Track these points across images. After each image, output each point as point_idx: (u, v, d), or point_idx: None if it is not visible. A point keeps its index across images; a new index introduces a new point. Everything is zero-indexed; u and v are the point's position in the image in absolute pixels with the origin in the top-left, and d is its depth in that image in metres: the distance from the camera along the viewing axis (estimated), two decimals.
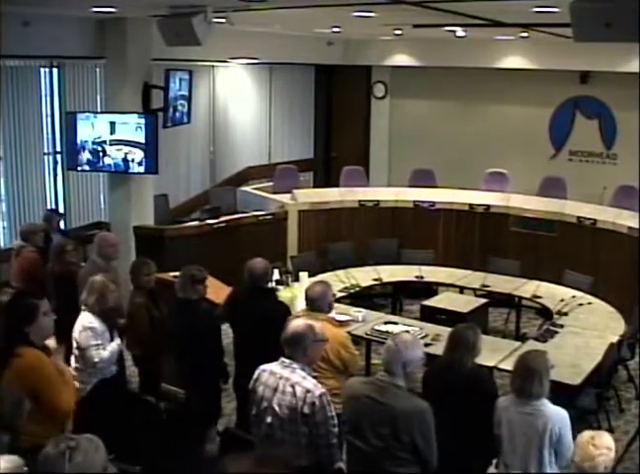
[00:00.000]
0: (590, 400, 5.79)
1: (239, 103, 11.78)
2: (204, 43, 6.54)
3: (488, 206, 9.59)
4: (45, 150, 9.15)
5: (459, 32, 8.99)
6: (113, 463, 2.67)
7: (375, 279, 8.05)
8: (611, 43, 6.17)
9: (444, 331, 5.66)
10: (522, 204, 9.46)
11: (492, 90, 11.84)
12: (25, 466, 2.83)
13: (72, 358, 4.98)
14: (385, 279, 8.14)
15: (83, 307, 5.05)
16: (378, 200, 9.86)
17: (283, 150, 12.77)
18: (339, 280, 7.61)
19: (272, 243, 8.78)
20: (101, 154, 8.10)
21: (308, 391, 3.64)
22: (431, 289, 8.35)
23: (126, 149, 8.04)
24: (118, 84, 8.23)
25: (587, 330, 6.54)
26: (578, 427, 4.01)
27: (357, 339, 6.19)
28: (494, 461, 4.30)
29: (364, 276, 8.00)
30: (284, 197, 9.87)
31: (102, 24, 8.13)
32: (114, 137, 8.05)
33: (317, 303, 4.77)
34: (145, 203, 8.57)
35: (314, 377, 3.84)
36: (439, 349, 5.31)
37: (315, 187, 12.47)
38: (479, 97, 11.96)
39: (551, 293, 7.57)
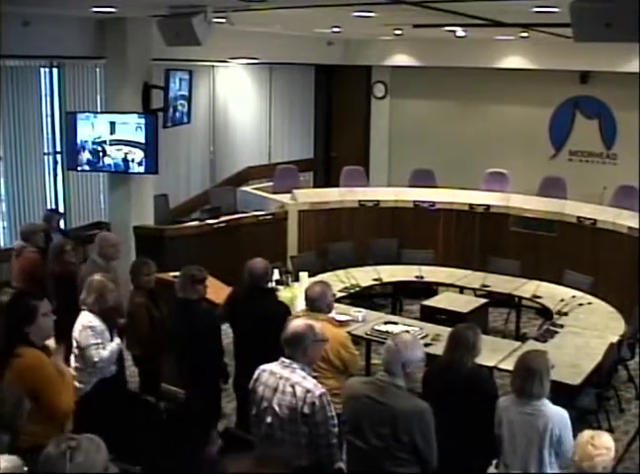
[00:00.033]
0: (590, 400, 5.79)
1: (239, 103, 11.78)
2: (204, 43, 6.54)
3: (488, 206, 9.59)
4: (45, 150, 9.14)
5: (459, 32, 8.99)
6: (113, 463, 2.67)
7: (375, 279, 8.05)
8: (611, 43, 6.17)
9: (444, 331, 5.66)
10: (522, 204, 9.46)
11: (492, 90, 11.84)
12: (24, 466, 2.83)
13: (72, 358, 4.98)
14: (385, 279, 8.14)
15: (83, 307, 5.05)
16: (378, 200, 9.86)
17: (283, 150, 12.77)
18: (339, 280, 7.61)
19: (272, 243, 8.78)
20: (101, 154, 8.10)
21: (308, 391, 3.64)
22: (431, 289, 8.35)
23: (126, 149, 8.05)
24: (118, 84, 8.23)
25: (587, 330, 6.54)
26: (578, 427, 4.00)
27: (357, 339, 6.19)
28: (494, 461, 4.30)
29: (364, 276, 8.00)
30: (284, 197, 9.87)
31: (102, 24, 8.13)
32: (114, 137, 8.06)
33: (317, 303, 4.77)
34: (145, 203, 8.57)
35: (314, 377, 3.84)
36: (439, 349, 5.30)
37: (315, 187, 12.47)
38: (479, 97, 11.96)
39: (551, 293, 7.57)
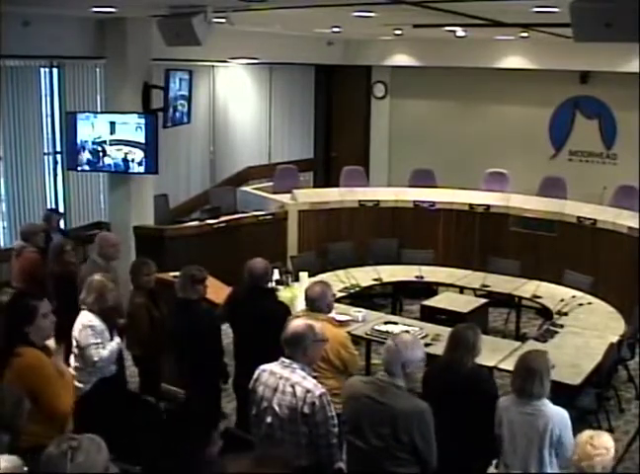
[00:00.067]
0: (590, 400, 5.78)
1: (239, 103, 11.78)
2: (204, 43, 6.54)
3: (488, 206, 9.59)
4: (45, 150, 9.14)
5: (459, 32, 8.98)
6: (113, 463, 2.67)
7: (375, 279, 8.05)
8: (611, 43, 6.17)
9: (444, 331, 5.66)
10: (522, 204, 9.46)
11: (492, 90, 11.84)
12: (25, 466, 2.83)
13: (72, 358, 4.99)
14: (385, 279, 8.13)
15: (82, 306, 5.05)
16: (378, 200, 9.86)
17: (283, 150, 12.77)
18: (339, 280, 7.61)
19: (272, 243, 8.78)
20: (101, 154, 8.10)
21: (308, 391, 3.64)
22: (431, 289, 8.35)
23: (126, 149, 8.04)
24: (118, 84, 8.23)
25: (587, 330, 6.54)
26: (578, 427, 4.00)
27: (357, 339, 6.19)
28: (494, 461, 4.31)
29: (364, 276, 8.00)
30: (284, 197, 9.87)
31: (102, 24, 8.13)
32: (114, 137, 8.05)
33: (317, 303, 4.77)
34: (145, 203, 8.57)
35: (314, 377, 3.84)
36: (439, 349, 5.31)
37: (315, 187, 12.47)
38: (479, 97, 11.96)
39: (551, 293, 7.57)
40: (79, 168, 8.33)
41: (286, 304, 5.42)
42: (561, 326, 6.61)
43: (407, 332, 5.11)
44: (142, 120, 8.00)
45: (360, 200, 9.83)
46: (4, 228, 8.85)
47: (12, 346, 3.72)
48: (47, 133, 9.14)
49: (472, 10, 6.58)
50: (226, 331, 5.62)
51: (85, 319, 4.98)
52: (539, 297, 7.55)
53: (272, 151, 12.55)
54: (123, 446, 3.31)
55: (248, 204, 10.14)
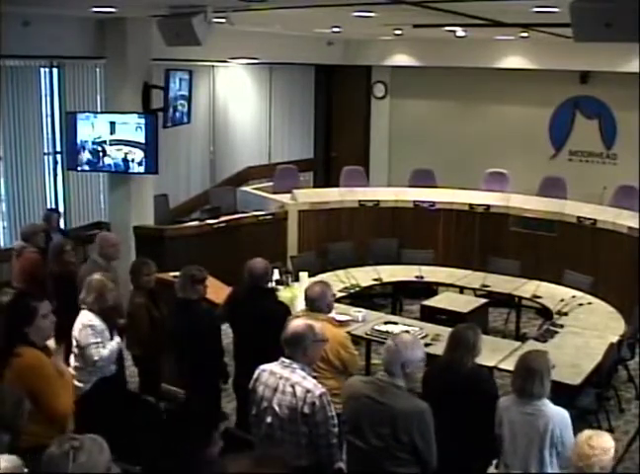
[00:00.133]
0: (590, 400, 5.78)
1: (239, 103, 11.78)
2: (204, 43, 6.54)
3: (488, 206, 9.59)
4: (45, 150, 9.14)
5: (459, 32, 8.98)
6: (114, 463, 2.67)
7: (375, 279, 8.05)
8: (611, 43, 6.17)
9: (444, 331, 5.66)
10: (522, 204, 9.46)
11: (492, 90, 11.84)
12: (24, 466, 2.83)
13: (72, 357, 4.99)
14: (385, 279, 8.13)
15: (82, 306, 5.05)
16: (378, 200, 9.86)
17: (283, 150, 12.77)
18: (339, 280, 7.61)
19: (272, 243, 8.78)
20: (101, 154, 8.10)
21: (308, 391, 3.65)
22: (431, 289, 8.35)
23: (126, 149, 8.04)
24: (118, 84, 8.23)
25: (587, 330, 6.54)
26: (578, 427, 4.00)
27: (357, 339, 6.19)
28: (494, 461, 4.31)
29: (364, 276, 8.00)
30: (284, 197, 9.87)
31: (102, 24, 8.13)
32: (114, 137, 8.05)
33: (316, 303, 4.77)
34: (145, 203, 8.57)
35: (314, 377, 3.84)
36: (439, 349, 5.31)
37: (315, 187, 12.47)
38: (479, 97, 11.96)
39: (551, 293, 7.57)
40: (79, 168, 8.33)
41: (286, 304, 5.42)
42: (561, 326, 6.61)
43: (407, 332, 5.12)
44: (142, 120, 8.00)
45: (359, 200, 9.83)
46: (4, 228, 8.85)
47: (12, 346, 3.72)
48: (47, 133, 9.14)
49: (472, 10, 6.58)
50: (226, 331, 5.62)
51: (85, 318, 4.98)
52: (539, 297, 7.54)
53: (272, 151, 12.55)
54: (123, 446, 3.31)
55: (248, 204, 10.14)
